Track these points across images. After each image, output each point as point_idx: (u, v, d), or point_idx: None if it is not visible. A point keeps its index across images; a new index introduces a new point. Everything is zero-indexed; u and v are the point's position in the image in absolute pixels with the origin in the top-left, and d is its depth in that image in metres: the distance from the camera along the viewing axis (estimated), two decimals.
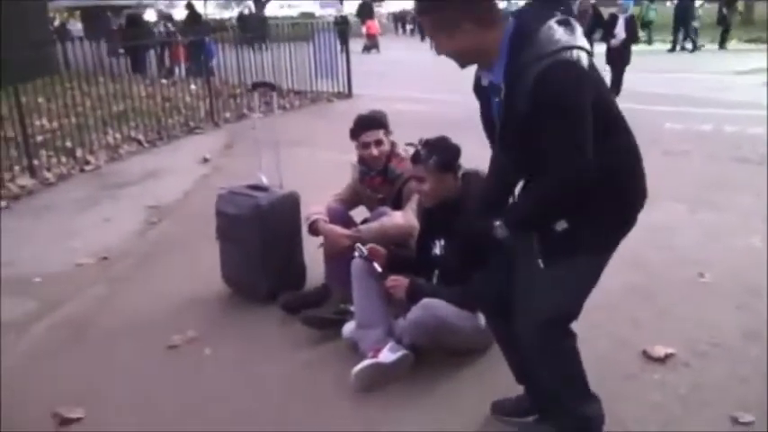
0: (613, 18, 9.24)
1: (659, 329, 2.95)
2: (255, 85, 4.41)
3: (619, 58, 9.11)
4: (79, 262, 4.09)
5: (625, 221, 1.93)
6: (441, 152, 2.60)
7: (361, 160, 3.27)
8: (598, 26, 9.80)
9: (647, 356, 2.74)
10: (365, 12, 25.79)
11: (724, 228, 4.27)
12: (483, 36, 1.79)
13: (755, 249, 3.85)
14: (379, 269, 2.73)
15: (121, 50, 10.79)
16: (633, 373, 2.63)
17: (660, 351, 2.75)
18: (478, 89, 1.96)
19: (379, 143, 3.17)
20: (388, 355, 2.62)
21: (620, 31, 9.07)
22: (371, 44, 22.99)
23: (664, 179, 5.36)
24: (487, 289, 2.23)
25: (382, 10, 37.30)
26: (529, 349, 2.00)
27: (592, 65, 1.77)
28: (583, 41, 1.75)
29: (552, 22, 1.75)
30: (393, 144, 3.22)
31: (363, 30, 23.54)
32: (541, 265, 1.88)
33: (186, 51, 13.99)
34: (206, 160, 6.71)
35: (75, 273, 3.95)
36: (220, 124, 8.74)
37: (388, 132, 3.21)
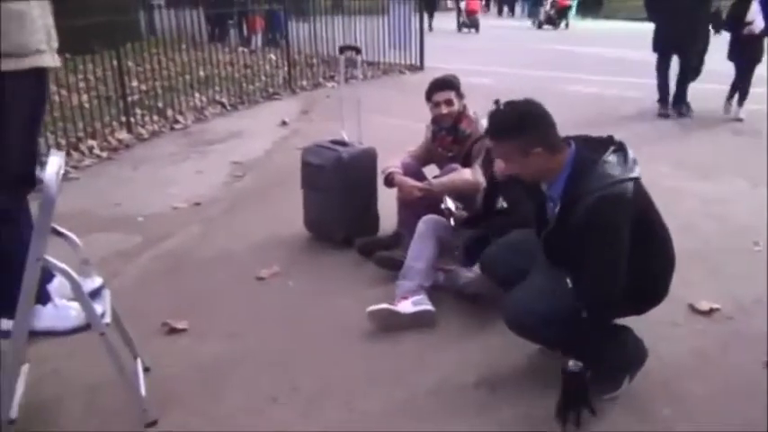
0: (744, 1, 6.87)
1: (708, 288, 3.14)
2: (343, 49, 4.72)
3: (751, 52, 6.85)
4: (175, 205, 4.55)
5: (634, 310, 2.33)
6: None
7: (434, 119, 3.55)
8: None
9: (694, 309, 2.95)
10: None
11: None
12: (551, 159, 2.17)
13: None
14: (453, 223, 2.99)
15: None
16: (678, 323, 2.85)
17: (705, 305, 2.96)
18: (536, 190, 2.34)
19: (449, 103, 3.44)
20: (407, 305, 2.87)
21: (756, 18, 6.69)
22: (471, 22, 20.32)
23: (730, 156, 5.46)
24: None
25: None
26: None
27: (638, 185, 2.14)
28: (633, 171, 2.12)
29: (608, 155, 2.12)
30: (464, 106, 3.49)
31: (462, 4, 20.97)
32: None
33: (263, 21, 14.47)
34: (284, 123, 7.13)
35: (173, 214, 4.42)
36: (297, 92, 9.16)
37: (459, 95, 3.47)
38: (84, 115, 6.27)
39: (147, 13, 12.48)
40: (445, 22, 21.49)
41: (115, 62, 6.78)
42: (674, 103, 7.28)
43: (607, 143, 2.20)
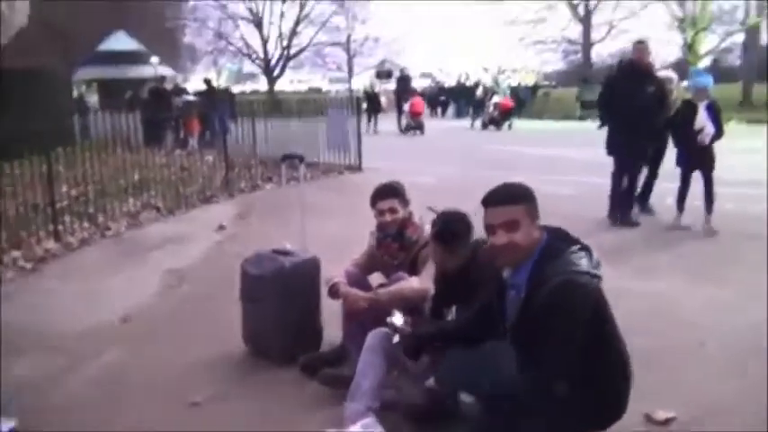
0: (690, 106, 6.30)
1: (661, 394, 3.08)
2: (285, 157, 4.69)
3: (706, 160, 6.27)
4: (104, 321, 4.26)
5: (593, 426, 2.26)
6: (450, 223, 2.85)
7: (379, 227, 3.49)
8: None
9: (650, 419, 2.86)
10: (405, 86, 23.30)
11: (723, 300, 4.44)
12: (535, 235, 2.21)
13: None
14: (396, 340, 2.78)
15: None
16: None
17: (662, 415, 2.88)
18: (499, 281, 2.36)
19: (393, 211, 3.40)
20: (356, 430, 2.69)
21: (706, 125, 6.13)
22: (416, 124, 19.93)
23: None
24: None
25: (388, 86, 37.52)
26: None
27: (601, 290, 2.19)
28: (598, 270, 2.18)
29: (576, 248, 2.19)
30: (410, 213, 3.45)
31: (406, 107, 20.65)
32: None
33: (200, 124, 14.57)
34: (222, 228, 6.95)
35: (101, 331, 4.11)
36: (235, 194, 9.04)
37: (403, 201, 3.44)
38: (9, 224, 5.95)
39: (81, 117, 12.42)
40: (391, 124, 21.32)
41: (45, 167, 6.55)
42: (632, 206, 6.73)
43: (575, 240, 2.25)
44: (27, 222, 6.23)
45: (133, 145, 9.07)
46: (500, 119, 20.33)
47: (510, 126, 20.30)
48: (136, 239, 6.66)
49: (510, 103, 21.14)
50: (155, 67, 32.55)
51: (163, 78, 29.69)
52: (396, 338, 2.80)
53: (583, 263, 2.13)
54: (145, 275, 5.32)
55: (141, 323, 4.26)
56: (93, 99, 26.90)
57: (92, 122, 9.52)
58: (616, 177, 6.68)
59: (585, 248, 2.21)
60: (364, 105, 18.77)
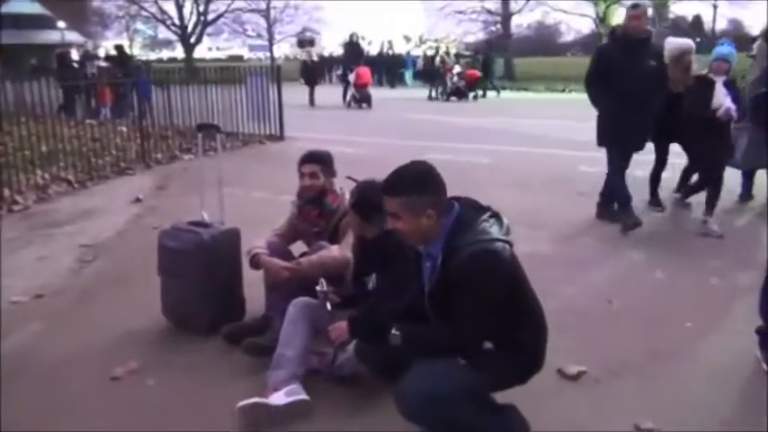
0: (706, 83, 5.35)
1: (573, 350, 3.25)
2: (201, 127, 4.56)
3: (721, 142, 5.37)
4: (13, 299, 4.07)
5: (517, 381, 2.39)
6: (367, 193, 2.88)
7: (299, 193, 3.50)
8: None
9: (562, 374, 3.03)
10: (354, 54, 21.26)
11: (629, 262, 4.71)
12: (437, 223, 2.23)
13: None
14: (330, 307, 2.83)
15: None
16: (549, 390, 2.90)
17: (573, 369, 3.06)
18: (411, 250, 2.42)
19: (314, 176, 3.42)
20: (280, 397, 2.70)
21: (725, 102, 5.21)
22: (361, 96, 17.54)
23: (577, 217, 5.85)
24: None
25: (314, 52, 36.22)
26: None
27: (513, 254, 2.25)
28: (508, 236, 2.24)
29: (487, 216, 2.24)
30: (331, 183, 3.47)
31: (351, 77, 18.06)
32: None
33: (112, 93, 13.94)
34: (138, 200, 6.74)
35: (10, 310, 3.93)
36: (152, 166, 8.76)
37: (327, 169, 3.45)
38: None
39: None
40: (334, 95, 19.10)
41: None
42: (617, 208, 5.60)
43: (485, 209, 2.31)
44: None
45: (40, 115, 8.60)
46: (466, 89, 19.32)
47: (476, 97, 19.51)
48: (46, 214, 6.36)
49: (477, 72, 20.36)
50: (62, 33, 30.86)
51: (70, 45, 28.22)
52: (329, 306, 2.83)
53: (494, 230, 2.19)
54: (57, 251, 5.11)
55: (55, 300, 4.11)
56: None
57: None
58: (615, 168, 5.49)
59: (495, 215, 2.28)
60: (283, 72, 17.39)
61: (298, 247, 3.55)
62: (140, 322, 3.65)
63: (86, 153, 8.36)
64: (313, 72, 19.75)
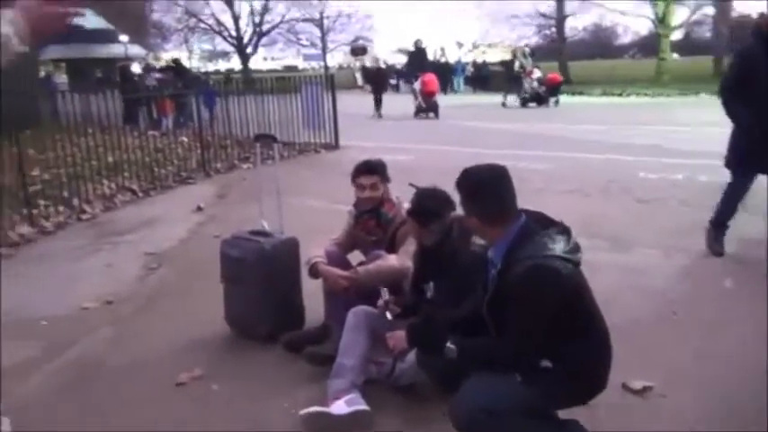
0: None
1: (637, 364, 3.17)
2: (259, 137, 4.66)
3: None
4: (84, 305, 4.25)
5: (577, 401, 2.36)
6: (425, 200, 2.89)
7: (356, 203, 3.53)
8: None
9: (627, 389, 2.96)
10: (419, 61, 20.43)
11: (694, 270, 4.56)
12: (487, 230, 2.30)
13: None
14: (390, 317, 2.85)
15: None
16: (614, 405, 2.83)
17: (638, 384, 2.98)
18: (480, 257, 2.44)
19: (373, 187, 3.44)
20: (341, 406, 2.71)
21: None
22: (428, 105, 16.65)
23: (636, 225, 5.70)
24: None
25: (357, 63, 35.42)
26: None
27: (578, 273, 2.22)
28: (575, 255, 2.19)
29: (553, 231, 2.21)
30: (387, 191, 3.49)
31: (416, 86, 17.30)
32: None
33: (173, 104, 14.38)
34: (200, 209, 6.92)
35: (81, 316, 4.11)
36: (212, 175, 8.99)
37: (384, 180, 3.47)
38: None
39: (49, 98, 12.17)
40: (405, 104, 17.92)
41: (14, 149, 6.45)
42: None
43: (554, 223, 2.28)
44: None
45: (104, 126, 8.92)
46: (546, 94, 18.17)
47: (557, 102, 18.30)
48: (112, 222, 6.61)
49: (559, 77, 19.49)
50: (124, 46, 31.97)
51: (132, 58, 29.19)
52: (389, 315, 2.84)
53: (557, 246, 2.15)
54: (123, 259, 5.30)
55: (122, 307, 4.26)
56: (61, 79, 26.37)
57: (61, 104, 9.35)
58: (736, 192, 4.74)
59: (563, 232, 2.24)
60: (360, 81, 16.72)
61: (355, 256, 3.58)
62: (204, 329, 3.75)
63: (149, 163, 8.64)
64: (380, 80, 18.91)
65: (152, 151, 9.12)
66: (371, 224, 3.50)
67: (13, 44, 1.70)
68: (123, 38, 31.77)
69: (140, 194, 7.74)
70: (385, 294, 2.85)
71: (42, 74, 29.61)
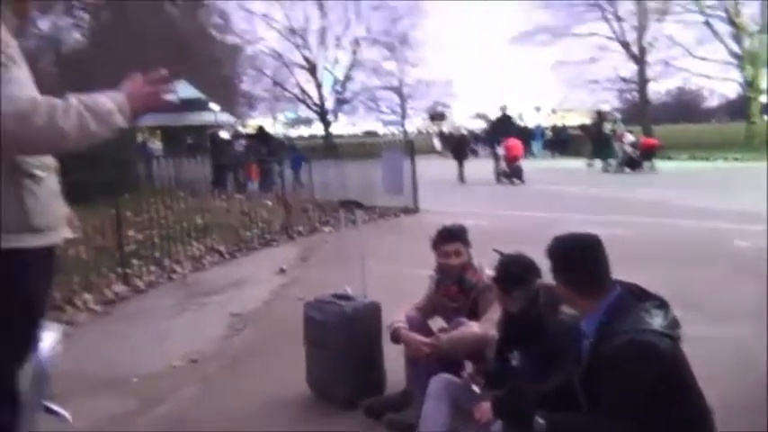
0: None
1: None
2: (343, 203, 4.80)
3: None
4: (172, 363, 4.40)
5: None
6: (511, 267, 2.86)
7: (440, 269, 3.53)
8: None
9: None
10: (504, 126, 20.81)
11: None
12: (577, 301, 2.26)
13: None
14: (478, 390, 2.81)
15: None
16: None
17: None
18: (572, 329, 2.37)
19: (456, 254, 3.43)
20: None
21: None
22: (512, 171, 16.28)
23: (733, 296, 5.40)
24: None
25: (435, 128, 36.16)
26: None
27: (676, 348, 2.12)
28: (673, 331, 2.12)
29: (650, 305, 2.15)
30: (470, 256, 3.48)
31: (500, 150, 17.17)
32: None
33: (258, 169, 14.99)
34: (283, 271, 7.10)
35: (169, 373, 4.25)
36: (294, 237, 9.23)
37: (465, 245, 3.47)
38: (80, 267, 6.23)
39: (146, 164, 12.96)
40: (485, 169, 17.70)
41: (113, 211, 6.87)
42: None
43: (651, 295, 2.21)
44: (97, 265, 6.50)
45: (195, 189, 9.42)
46: (640, 159, 17.59)
47: (652, 167, 17.63)
48: (200, 282, 6.87)
49: (655, 141, 19.02)
50: (215, 114, 33.75)
51: (221, 125, 30.75)
52: (476, 388, 2.80)
53: (655, 321, 2.09)
54: (210, 318, 5.47)
55: (208, 365, 4.38)
56: (156, 145, 28.01)
57: (156, 168, 9.97)
58: None
59: (661, 305, 2.17)
60: (438, 146, 16.45)
61: (435, 323, 3.57)
62: (286, 391, 3.79)
63: (235, 225, 8.98)
64: (462, 145, 18.86)
65: (238, 214, 9.49)
66: (453, 290, 3.49)
67: (116, 120, 1.91)
68: (214, 106, 33.56)
69: (227, 256, 8.02)
70: (469, 367, 2.82)
71: (139, 140, 31.62)
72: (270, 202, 10.64)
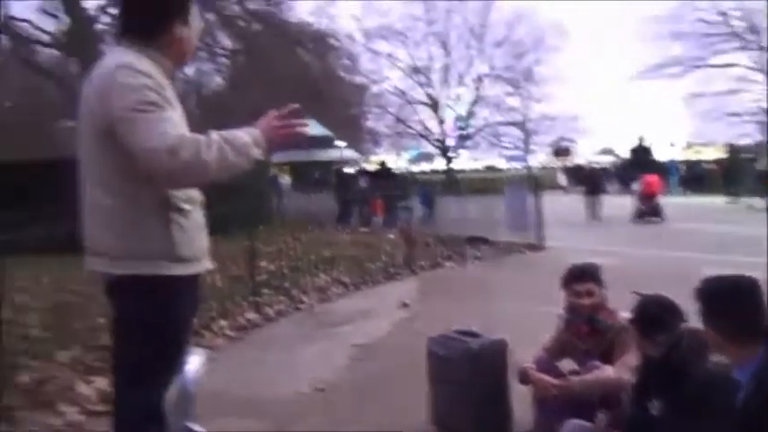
0: None
1: None
2: (469, 239, 4.79)
3: None
4: (301, 390, 4.53)
5: None
6: (650, 309, 2.71)
7: (570, 308, 3.41)
8: None
9: None
10: (641, 160, 19.86)
11: None
12: (725, 348, 2.14)
13: None
14: None
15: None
16: None
17: None
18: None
19: (589, 294, 3.30)
20: None
21: None
22: (649, 208, 15.32)
23: None
24: None
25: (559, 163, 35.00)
26: None
27: None
28: None
29: None
30: (604, 297, 3.34)
31: (637, 186, 16.48)
32: None
33: (383, 204, 15.31)
34: (405, 305, 7.15)
35: (298, 400, 4.39)
36: (417, 272, 9.29)
37: (598, 285, 3.34)
38: (216, 295, 6.60)
39: (276, 198, 13.66)
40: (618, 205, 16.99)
41: (246, 243, 7.25)
42: None
43: None
44: (231, 294, 6.87)
45: (322, 223, 9.76)
46: None
47: None
48: (326, 313, 7.06)
49: None
50: (341, 151, 34.96)
51: (346, 161, 31.80)
52: None
53: None
54: (335, 348, 5.60)
55: (333, 395, 4.47)
56: (285, 180, 29.41)
57: (285, 202, 10.46)
58: None
59: None
60: (563, 181, 15.88)
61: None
62: (407, 425, 3.78)
63: (360, 258, 9.19)
64: (595, 180, 17.76)
65: (362, 247, 9.72)
66: (584, 331, 3.35)
67: (253, 152, 2.05)
68: (340, 143, 34.78)
69: (351, 288, 8.20)
70: (604, 419, 2.70)
71: (270, 175, 33.35)
72: (393, 236, 10.80)
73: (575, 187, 20.85)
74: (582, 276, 3.33)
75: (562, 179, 31.79)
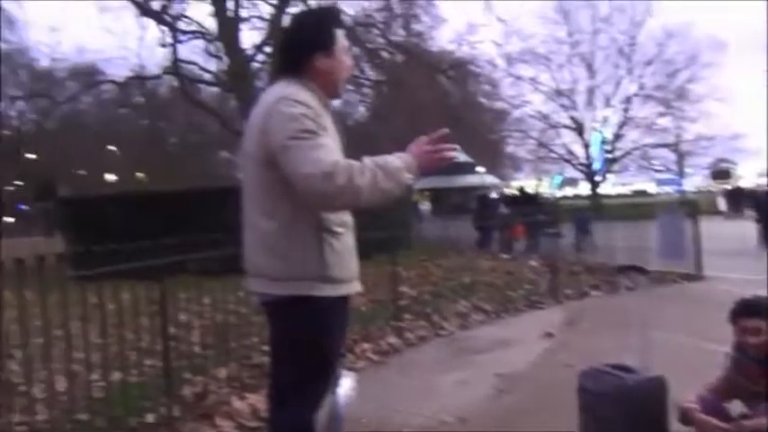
0: None
1: None
2: (622, 268, 4.56)
3: None
4: (442, 418, 4.48)
5: None
6: None
7: (737, 346, 3.14)
8: None
9: None
10: None
11: None
12: None
13: None
14: None
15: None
16: None
17: None
18: None
19: (756, 332, 3.02)
20: None
21: None
22: None
23: None
24: None
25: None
26: None
27: None
28: None
29: None
30: None
31: None
32: None
33: (525, 230, 14.98)
34: (549, 335, 6.89)
35: (439, 428, 4.34)
36: (562, 301, 8.95)
37: None
38: (360, 318, 6.74)
39: (418, 223, 13.83)
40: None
41: (389, 268, 7.37)
42: None
43: None
44: (374, 318, 6.98)
45: (461, 249, 9.71)
46: None
47: None
48: (467, 340, 6.97)
49: None
50: (481, 177, 34.82)
51: (488, 186, 31.58)
52: None
53: None
54: (476, 376, 5.49)
55: (476, 425, 4.37)
56: (425, 206, 29.73)
57: (426, 228, 10.54)
58: None
59: None
60: (723, 206, 14.60)
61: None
62: None
63: (501, 285, 9.01)
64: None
65: (503, 274, 9.53)
66: (755, 372, 3.05)
67: (405, 177, 2.10)
68: (480, 169, 34.65)
69: (492, 315, 8.05)
70: None
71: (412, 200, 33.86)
72: (535, 263, 10.50)
73: (735, 212, 19.25)
74: (749, 312, 3.06)
75: (721, 203, 29.58)
